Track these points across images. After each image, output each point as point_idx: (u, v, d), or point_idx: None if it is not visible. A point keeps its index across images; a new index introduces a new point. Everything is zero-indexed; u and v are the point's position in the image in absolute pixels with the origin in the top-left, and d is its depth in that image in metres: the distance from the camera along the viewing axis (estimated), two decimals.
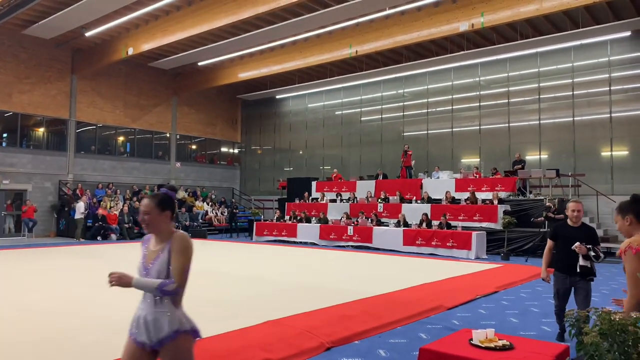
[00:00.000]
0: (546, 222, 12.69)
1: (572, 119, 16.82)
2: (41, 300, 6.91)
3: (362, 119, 22.54)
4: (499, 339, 3.70)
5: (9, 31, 17.91)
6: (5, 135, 19.00)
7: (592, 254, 4.82)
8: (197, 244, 12.62)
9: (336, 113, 23.53)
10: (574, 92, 16.80)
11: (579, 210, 4.99)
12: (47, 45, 19.16)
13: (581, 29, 15.01)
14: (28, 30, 17.86)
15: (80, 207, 17.56)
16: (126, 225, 18.31)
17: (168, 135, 23.93)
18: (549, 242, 5.25)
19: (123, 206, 18.75)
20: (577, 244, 4.78)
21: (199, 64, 20.91)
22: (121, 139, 22.47)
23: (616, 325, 2.21)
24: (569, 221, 5.08)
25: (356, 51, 16.84)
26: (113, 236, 17.84)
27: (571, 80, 16.88)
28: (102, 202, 18.66)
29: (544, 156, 17.45)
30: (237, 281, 8.86)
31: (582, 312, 2.61)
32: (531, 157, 17.45)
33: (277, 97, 24.96)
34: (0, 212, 18.40)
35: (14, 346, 4.70)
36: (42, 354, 4.50)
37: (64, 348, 4.66)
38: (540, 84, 17.53)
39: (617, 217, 3.21)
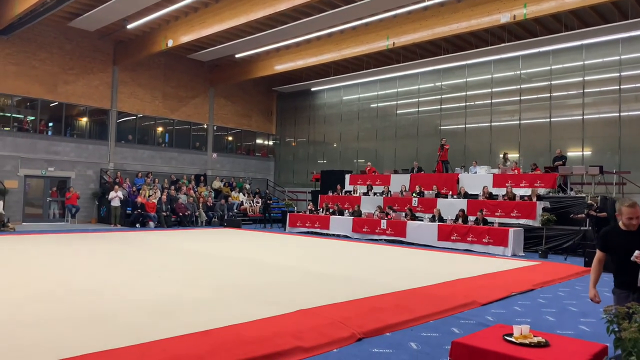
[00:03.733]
0: (587, 219, 12.29)
1: (618, 114, 16.16)
2: (83, 282, 7.18)
3: (397, 112, 22.31)
4: (534, 336, 3.62)
5: (55, 23, 18.54)
6: (50, 124, 19.73)
7: None
8: (232, 234, 12.85)
9: (371, 106, 23.37)
10: (621, 87, 16.12)
11: (638, 216, 3.90)
12: (90, 37, 19.75)
13: (630, 20, 14.37)
14: (73, 23, 18.45)
15: (112, 196, 18.29)
16: (164, 214, 18.76)
17: (205, 126, 24.32)
18: (598, 254, 4.23)
19: (161, 195, 19.20)
20: (637, 252, 3.83)
21: (236, 56, 21.13)
22: (160, 129, 22.99)
23: None
24: (621, 225, 4.03)
25: (393, 43, 16.64)
26: (151, 224, 18.30)
27: (618, 74, 16.19)
28: (141, 191, 19.17)
29: (587, 152, 16.85)
30: (269, 270, 8.96)
31: (622, 309, 2.51)
32: (573, 153, 16.89)
33: (312, 89, 24.98)
34: (46, 198, 19.17)
35: (59, 322, 4.91)
36: (83, 331, 4.66)
37: (110, 328, 4.82)
38: (585, 78, 16.89)
39: None
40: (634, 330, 2.21)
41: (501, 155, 17.12)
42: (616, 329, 3.11)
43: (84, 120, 20.63)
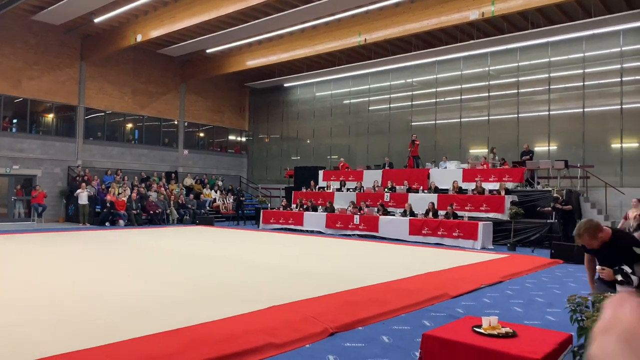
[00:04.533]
0: (553, 212, 12.64)
1: (582, 110, 16.64)
2: (52, 283, 7.00)
3: (370, 108, 22.44)
4: (502, 327, 3.71)
5: (18, 17, 17.94)
6: (15, 121, 19.12)
7: (619, 278, 3.58)
8: (205, 231, 12.72)
9: (344, 102, 23.44)
10: (585, 83, 16.60)
11: (588, 244, 3.79)
12: (56, 31, 19.20)
13: (593, 19, 14.79)
14: (37, 16, 17.90)
15: (79, 192, 17.85)
16: (134, 212, 18.43)
17: (176, 122, 23.97)
18: (586, 255, 4.26)
19: (131, 193, 18.86)
20: (599, 268, 3.79)
21: (207, 51, 20.88)
22: (129, 125, 22.56)
23: None
24: None
25: (365, 39, 16.72)
26: (121, 222, 17.96)
27: (582, 71, 16.66)
28: (110, 189, 18.78)
29: (553, 147, 17.31)
30: (242, 267, 8.91)
31: (584, 297, 2.59)
32: (540, 148, 17.32)
33: (285, 85, 24.88)
34: (11, 197, 18.59)
35: (28, 323, 4.78)
36: (59, 334, 4.56)
37: (80, 329, 4.72)
38: (551, 74, 17.33)
39: None
40: (596, 319, 2.28)
41: (487, 150, 17.48)
42: (579, 318, 3.23)
43: (50, 116, 20.06)
